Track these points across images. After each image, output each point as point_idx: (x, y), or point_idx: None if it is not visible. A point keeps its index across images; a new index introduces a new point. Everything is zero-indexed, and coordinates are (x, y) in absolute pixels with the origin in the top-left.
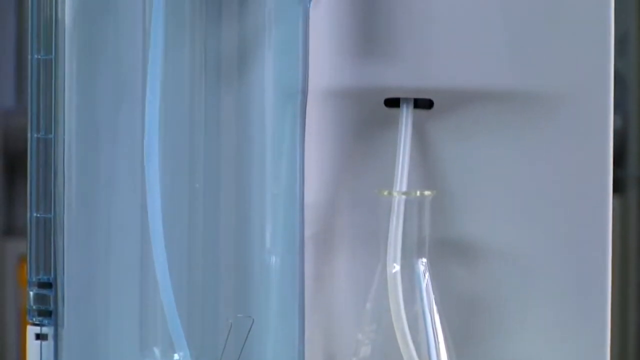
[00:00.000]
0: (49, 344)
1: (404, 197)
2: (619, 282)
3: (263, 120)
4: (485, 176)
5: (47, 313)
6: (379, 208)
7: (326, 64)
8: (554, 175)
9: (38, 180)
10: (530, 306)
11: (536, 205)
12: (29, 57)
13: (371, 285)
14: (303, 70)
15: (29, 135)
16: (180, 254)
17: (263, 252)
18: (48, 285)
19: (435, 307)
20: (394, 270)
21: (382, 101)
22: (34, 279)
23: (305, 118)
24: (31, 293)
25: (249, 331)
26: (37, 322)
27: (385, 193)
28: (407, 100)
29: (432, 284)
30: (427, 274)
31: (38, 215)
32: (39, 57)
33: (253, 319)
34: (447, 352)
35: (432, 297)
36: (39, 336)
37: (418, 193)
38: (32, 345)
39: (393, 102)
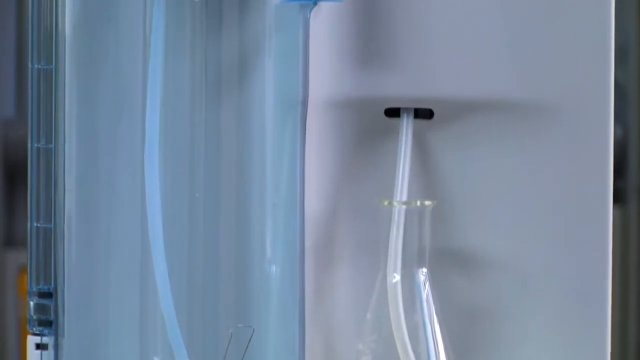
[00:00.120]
0: (49, 353)
1: (404, 207)
2: (619, 292)
3: (263, 129)
4: (485, 186)
5: (48, 323)
6: (379, 218)
7: (327, 74)
8: (554, 185)
9: (38, 190)
10: (531, 316)
11: (537, 216)
12: (29, 66)
13: (371, 295)
14: (303, 79)
15: (29, 145)
16: (180, 264)
17: (263, 261)
18: (48, 295)
19: (435, 317)
20: (394, 280)
21: (383, 111)
22: (34, 289)
23: (305, 127)
24: (31, 303)
25: (250, 341)
26: (37, 332)
27: (386, 203)
28: (407, 110)
29: (432, 293)
30: (427, 284)
31: (38, 225)
32: (39, 66)
33: (253, 329)
34: None
35: (433, 307)
36: (39, 346)
37: (418, 203)
38: (33, 355)
39: (393, 112)
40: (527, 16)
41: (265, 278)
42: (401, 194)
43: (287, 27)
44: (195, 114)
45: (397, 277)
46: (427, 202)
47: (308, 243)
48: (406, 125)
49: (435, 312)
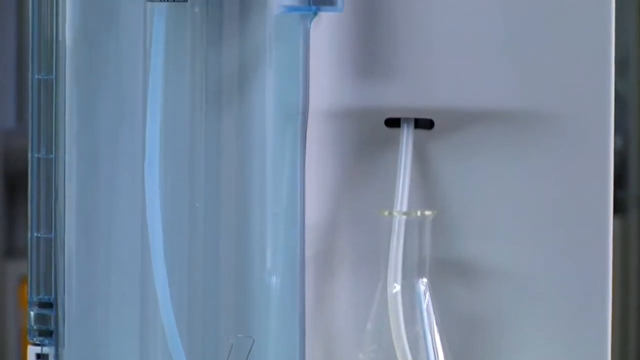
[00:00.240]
0: None
1: (404, 217)
2: (619, 302)
3: (264, 139)
4: (485, 196)
5: (48, 333)
6: (379, 228)
7: (327, 84)
8: (554, 195)
9: (39, 200)
10: (531, 326)
11: (537, 226)
12: (30, 77)
13: (372, 305)
14: (304, 90)
15: (29, 155)
16: (180, 274)
17: (264, 271)
18: (49, 305)
19: (435, 327)
20: (394, 290)
21: (383, 121)
22: (34, 299)
23: (305, 138)
24: (32, 313)
25: (250, 351)
26: (38, 342)
27: (386, 213)
28: (407, 120)
29: (432, 303)
30: (427, 294)
31: (39, 235)
32: (40, 77)
33: (254, 339)
34: None
35: (433, 317)
36: (39, 356)
37: (418, 213)
38: None
39: (394, 122)
40: (528, 26)
41: (266, 288)
42: (401, 204)
43: (288, 37)
44: (196, 123)
45: (398, 287)
46: (427, 212)
47: (308, 253)
48: (406, 136)
49: (436, 322)
